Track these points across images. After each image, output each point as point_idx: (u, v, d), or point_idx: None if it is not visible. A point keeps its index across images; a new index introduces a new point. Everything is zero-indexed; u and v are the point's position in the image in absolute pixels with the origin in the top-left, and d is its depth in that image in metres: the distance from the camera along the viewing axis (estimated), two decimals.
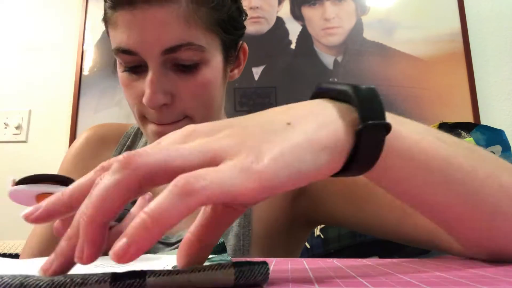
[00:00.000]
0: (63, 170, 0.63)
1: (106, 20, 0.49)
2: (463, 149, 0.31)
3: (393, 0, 1.62)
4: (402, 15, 1.61)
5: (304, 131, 0.23)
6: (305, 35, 1.63)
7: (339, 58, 1.59)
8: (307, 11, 1.65)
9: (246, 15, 0.57)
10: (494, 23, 1.59)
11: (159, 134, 0.49)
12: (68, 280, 0.19)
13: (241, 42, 0.56)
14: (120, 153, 0.62)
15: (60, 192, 0.21)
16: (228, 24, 0.50)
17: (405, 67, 1.56)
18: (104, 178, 0.19)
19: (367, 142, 0.24)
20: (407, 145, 0.27)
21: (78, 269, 0.21)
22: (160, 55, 0.45)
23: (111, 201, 0.19)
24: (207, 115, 0.51)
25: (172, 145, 0.22)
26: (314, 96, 0.27)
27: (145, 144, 0.63)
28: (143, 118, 0.51)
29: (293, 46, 1.62)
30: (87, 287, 0.19)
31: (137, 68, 0.48)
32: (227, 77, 0.55)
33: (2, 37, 1.78)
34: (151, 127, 0.50)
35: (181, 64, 0.47)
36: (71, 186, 0.21)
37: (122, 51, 0.46)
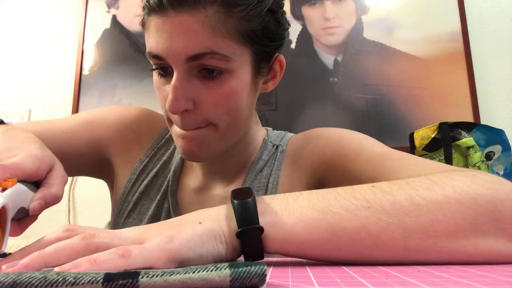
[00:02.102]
0: (96, 120, 0.64)
1: (143, 24, 0.51)
2: (354, 210, 0.33)
3: None
4: (402, 14, 1.61)
5: (208, 228, 0.32)
6: (305, 35, 1.63)
7: (339, 58, 1.59)
8: (307, 11, 1.65)
9: (289, 25, 0.56)
10: (494, 23, 1.58)
11: (183, 137, 0.51)
12: (60, 279, 0.19)
13: (277, 54, 0.55)
14: (159, 142, 0.65)
15: (23, 249, 0.30)
16: (262, 35, 0.49)
17: (405, 66, 1.56)
18: (64, 240, 0.29)
19: (246, 240, 0.32)
20: (286, 231, 0.33)
21: None
22: (185, 62, 0.46)
23: (61, 254, 0.28)
24: (233, 124, 0.51)
25: (117, 233, 0.31)
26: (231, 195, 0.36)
27: None
28: (169, 121, 0.53)
29: (293, 45, 1.62)
30: (79, 287, 0.19)
31: (166, 72, 0.50)
32: (258, 89, 0.54)
33: (2, 37, 1.78)
34: (176, 129, 0.51)
35: (206, 71, 0.47)
36: (33, 247, 0.30)
37: (152, 56, 0.48)
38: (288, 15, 1.64)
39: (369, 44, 1.59)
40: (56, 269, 0.24)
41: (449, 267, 0.30)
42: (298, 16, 1.64)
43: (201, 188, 0.61)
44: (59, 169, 0.41)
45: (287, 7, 1.65)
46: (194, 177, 0.62)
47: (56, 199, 0.38)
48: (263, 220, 0.33)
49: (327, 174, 0.55)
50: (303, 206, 0.35)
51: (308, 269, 0.30)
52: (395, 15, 1.61)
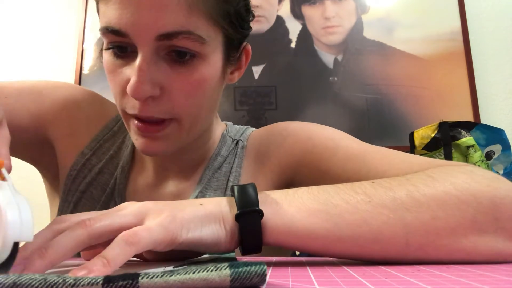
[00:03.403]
0: (44, 91, 0.54)
1: None
2: (354, 203, 0.33)
3: None
4: (402, 14, 1.61)
5: (209, 210, 0.32)
6: (305, 34, 1.63)
7: (339, 57, 1.59)
8: (307, 10, 1.64)
9: (253, 16, 0.52)
10: (494, 22, 1.58)
11: (141, 133, 0.44)
12: (60, 281, 0.19)
13: (245, 43, 0.51)
14: (106, 134, 0.57)
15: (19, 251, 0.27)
16: (234, 19, 0.45)
17: (405, 66, 1.56)
18: (64, 234, 0.27)
19: (245, 224, 0.32)
20: (286, 220, 0.33)
21: None
22: (154, 41, 0.40)
23: (65, 249, 0.26)
24: (197, 117, 0.47)
25: (115, 212, 0.30)
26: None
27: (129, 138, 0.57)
28: (125, 114, 0.45)
29: (293, 45, 1.62)
30: None
31: (125, 52, 0.43)
32: (225, 78, 0.51)
33: (2, 36, 1.78)
34: (133, 124, 0.44)
35: (176, 54, 0.42)
36: (31, 246, 0.27)
37: (111, 31, 0.41)
38: (288, 14, 1.64)
39: (369, 44, 1.59)
40: (71, 273, 0.23)
41: (449, 267, 0.30)
42: (298, 16, 1.64)
43: (153, 186, 0.55)
44: (4, 128, 0.32)
45: (287, 6, 1.65)
46: (144, 173, 0.55)
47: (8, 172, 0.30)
48: (263, 209, 0.32)
49: (299, 174, 0.52)
50: (303, 197, 0.34)
51: (308, 269, 0.30)
52: (395, 15, 1.61)
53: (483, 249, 0.33)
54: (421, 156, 0.46)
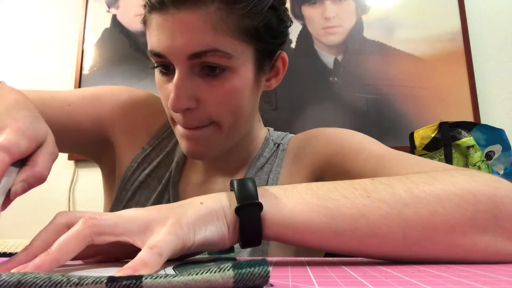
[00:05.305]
0: (103, 96, 0.61)
1: (144, 21, 0.51)
2: (353, 198, 0.34)
3: None
4: (402, 14, 1.61)
5: (210, 207, 0.33)
6: (305, 34, 1.63)
7: (339, 58, 1.59)
8: (307, 10, 1.65)
9: (291, 22, 0.56)
10: (494, 22, 1.58)
11: (186, 138, 0.51)
12: (65, 279, 0.19)
13: (279, 51, 0.55)
14: (164, 132, 0.63)
15: (26, 248, 0.28)
16: (264, 32, 0.49)
17: (405, 66, 1.56)
18: (68, 232, 0.28)
19: (245, 216, 0.32)
20: (285, 213, 0.33)
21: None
22: (187, 60, 0.46)
23: (71, 246, 0.27)
24: (235, 122, 0.51)
25: (118, 215, 0.30)
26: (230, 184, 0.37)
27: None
28: (172, 120, 0.53)
29: (293, 45, 1.62)
30: (83, 287, 0.19)
31: (168, 70, 0.50)
32: (260, 86, 0.55)
33: (2, 37, 1.78)
34: (179, 129, 0.51)
35: (208, 69, 0.47)
36: (37, 241, 0.29)
37: (154, 54, 0.48)
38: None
39: (369, 44, 1.59)
40: (120, 273, 0.23)
41: (449, 267, 0.30)
42: (298, 16, 1.64)
43: (203, 182, 0.60)
44: (49, 144, 0.36)
45: (287, 6, 1.65)
46: (196, 170, 0.61)
47: (40, 180, 0.34)
48: (262, 202, 0.33)
49: (327, 173, 0.55)
50: (302, 192, 0.35)
51: (308, 269, 0.30)
52: (395, 15, 1.61)
53: (482, 247, 0.33)
54: (434, 161, 0.47)
